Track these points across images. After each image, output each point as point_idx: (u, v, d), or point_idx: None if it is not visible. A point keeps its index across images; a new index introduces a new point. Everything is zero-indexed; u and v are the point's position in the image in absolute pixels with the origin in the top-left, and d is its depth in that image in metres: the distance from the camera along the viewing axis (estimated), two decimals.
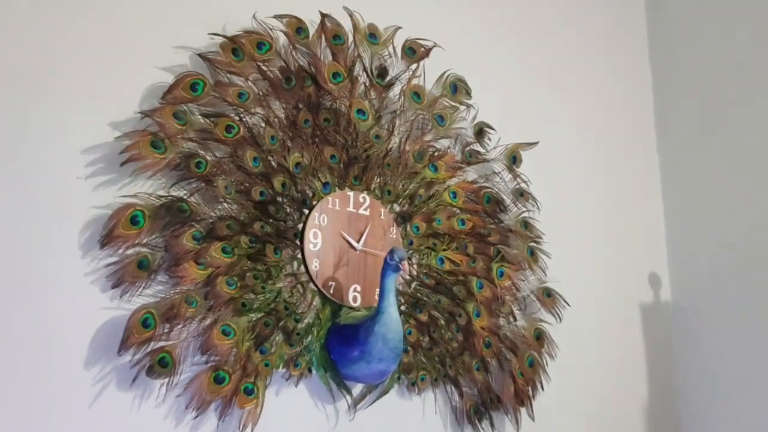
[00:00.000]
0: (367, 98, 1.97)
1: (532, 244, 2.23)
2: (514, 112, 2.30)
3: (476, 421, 2.01)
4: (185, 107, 1.67)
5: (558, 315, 2.22)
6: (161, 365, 1.53)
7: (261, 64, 1.79)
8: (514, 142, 2.23)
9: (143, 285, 1.56)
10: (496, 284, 2.10)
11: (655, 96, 2.77)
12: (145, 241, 1.58)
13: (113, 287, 1.53)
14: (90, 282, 1.52)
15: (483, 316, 2.07)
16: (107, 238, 1.53)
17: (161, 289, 1.59)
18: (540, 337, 2.19)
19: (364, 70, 1.97)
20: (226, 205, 1.71)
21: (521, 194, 2.24)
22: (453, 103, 2.13)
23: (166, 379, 1.54)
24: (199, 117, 1.70)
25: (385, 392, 1.88)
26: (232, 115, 1.74)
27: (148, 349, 1.52)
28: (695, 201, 2.64)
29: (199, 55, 1.71)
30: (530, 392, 2.12)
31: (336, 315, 1.83)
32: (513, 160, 2.24)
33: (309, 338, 1.78)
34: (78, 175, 1.55)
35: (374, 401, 1.85)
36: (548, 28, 2.51)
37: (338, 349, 1.77)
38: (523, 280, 2.20)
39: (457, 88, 2.14)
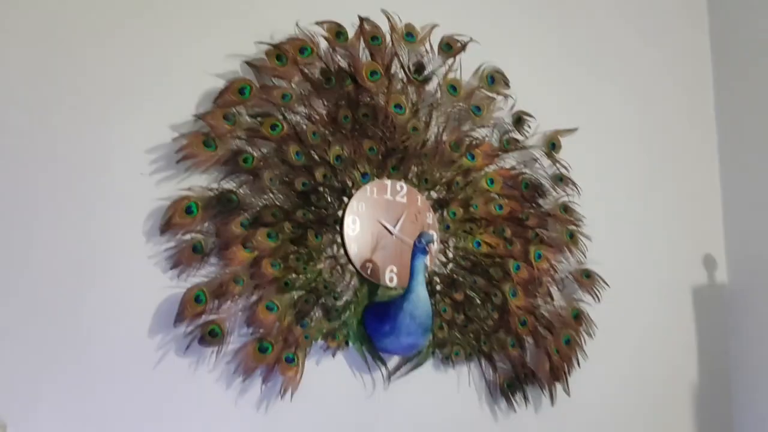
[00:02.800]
0: (404, 93, 2.17)
1: (572, 227, 2.37)
2: (553, 99, 2.43)
3: (510, 395, 2.20)
4: (234, 109, 1.93)
5: (597, 295, 2.36)
6: (211, 335, 1.81)
7: (303, 67, 2.03)
8: (552, 129, 2.37)
9: (197, 266, 1.84)
10: (533, 266, 2.26)
11: (714, 74, 2.81)
12: (198, 228, 1.85)
13: (171, 268, 1.82)
14: (153, 264, 1.82)
15: (519, 296, 2.24)
16: (166, 226, 1.82)
17: (213, 270, 1.86)
18: (578, 316, 2.33)
19: (402, 67, 2.17)
20: (271, 195, 1.96)
21: (560, 179, 2.38)
22: (490, 94, 2.29)
23: (216, 348, 1.82)
24: (247, 117, 1.95)
25: (419, 364, 2.09)
26: (277, 114, 1.99)
27: (200, 322, 1.80)
28: (756, 180, 2.67)
29: (247, 62, 1.96)
30: (566, 368, 2.27)
31: (373, 294, 2.06)
32: (552, 146, 2.38)
33: (347, 314, 2.01)
34: (142, 172, 1.84)
35: (407, 372, 2.07)
36: (587, 8, 2.60)
37: (373, 325, 1.99)
38: (562, 262, 2.35)
39: (494, 79, 2.30)
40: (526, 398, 2.22)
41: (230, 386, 1.86)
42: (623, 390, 2.40)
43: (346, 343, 2.00)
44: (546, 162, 2.38)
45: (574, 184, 2.39)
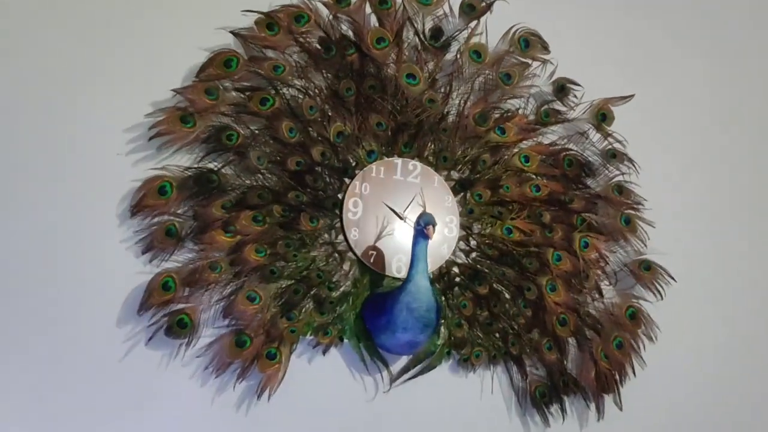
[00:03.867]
0: (418, 62, 1.94)
1: (629, 211, 2.04)
2: (602, 63, 2.12)
3: (543, 406, 1.90)
4: (218, 83, 1.80)
5: (659, 291, 2.01)
6: (180, 326, 1.67)
7: (299, 36, 1.86)
8: (601, 97, 2.05)
9: (172, 251, 1.71)
10: (578, 256, 1.96)
11: None
12: (173, 210, 1.72)
13: (143, 252, 1.70)
14: (125, 248, 1.71)
15: (559, 291, 1.94)
16: (137, 207, 1.71)
17: (192, 256, 1.73)
18: (635, 316, 1.99)
19: (416, 32, 1.95)
20: (260, 176, 1.80)
21: (613, 156, 2.06)
22: (523, 60, 2.01)
23: (185, 340, 1.68)
24: (234, 93, 1.81)
25: (431, 367, 1.86)
26: (268, 88, 1.83)
27: (167, 311, 1.67)
28: None
29: (231, 32, 1.82)
30: (617, 377, 1.94)
31: (377, 285, 1.85)
32: (602, 117, 2.06)
33: (343, 307, 1.81)
34: (118, 152, 1.75)
35: (416, 375, 1.83)
36: None
37: (370, 318, 1.78)
38: (615, 252, 2.03)
39: (529, 43, 2.03)
40: (563, 410, 1.91)
41: (206, 383, 1.71)
42: (690, 406, 2.03)
43: (341, 339, 1.80)
44: (595, 136, 2.07)
45: (630, 161, 2.06)
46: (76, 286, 1.67)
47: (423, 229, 1.72)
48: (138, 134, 1.76)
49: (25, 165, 1.69)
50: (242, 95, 1.81)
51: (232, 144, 1.78)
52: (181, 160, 1.77)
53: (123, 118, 1.76)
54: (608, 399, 1.94)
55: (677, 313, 2.03)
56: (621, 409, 1.94)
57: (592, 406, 1.93)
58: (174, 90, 1.76)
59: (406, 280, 1.73)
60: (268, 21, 1.85)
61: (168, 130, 1.74)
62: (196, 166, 1.76)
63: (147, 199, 1.71)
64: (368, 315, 1.79)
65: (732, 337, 2.11)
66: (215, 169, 1.77)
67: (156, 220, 1.71)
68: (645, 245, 2.03)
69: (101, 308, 1.68)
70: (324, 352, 1.79)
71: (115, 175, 1.73)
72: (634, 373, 1.96)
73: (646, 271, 2.03)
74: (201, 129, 1.76)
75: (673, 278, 2.02)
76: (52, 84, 1.73)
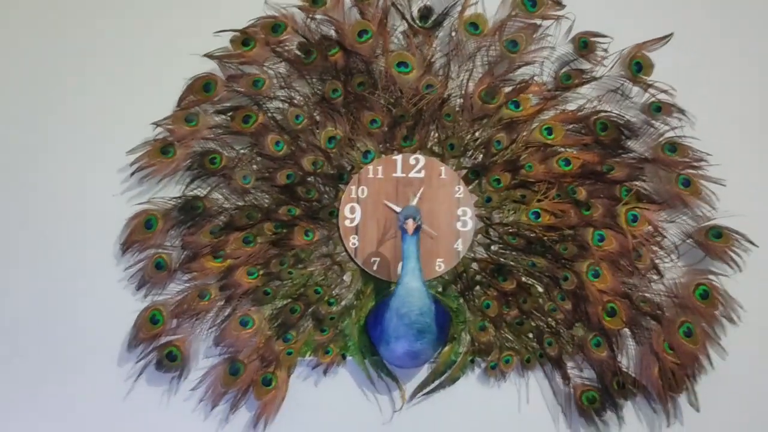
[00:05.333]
0: (410, 47, 1.80)
1: (688, 171, 1.72)
2: (625, 6, 1.81)
3: (593, 413, 1.61)
4: (198, 109, 1.78)
5: (736, 262, 1.65)
6: (169, 359, 1.64)
7: (276, 46, 1.80)
8: (633, 44, 1.76)
9: (165, 284, 1.70)
10: (625, 232, 1.67)
11: None
12: (161, 242, 1.72)
13: (137, 288, 1.71)
14: (123, 287, 1.73)
15: (604, 276, 1.67)
16: (125, 244, 1.73)
17: (186, 287, 1.70)
18: (708, 295, 1.65)
19: (403, 17, 1.81)
20: (251, 195, 1.75)
21: (658, 109, 1.76)
22: (530, 21, 1.79)
23: (176, 373, 1.64)
24: (215, 117, 1.78)
25: (453, 379, 1.67)
26: (250, 105, 1.79)
27: (155, 345, 1.65)
28: None
29: (205, 55, 1.80)
30: (689, 372, 1.61)
31: (382, 293, 1.70)
32: (637, 67, 1.77)
33: (345, 322, 1.68)
34: (113, 193, 1.78)
35: (432, 391, 1.64)
36: None
37: (371, 330, 1.64)
38: (674, 222, 1.70)
39: (536, 1, 1.80)
40: (620, 418, 1.60)
41: (209, 416, 1.66)
42: None
43: (343, 357, 1.67)
44: (633, 90, 1.77)
45: (681, 111, 1.74)
46: (77, 330, 1.73)
47: (402, 224, 1.56)
48: (128, 173, 1.79)
49: (24, 218, 1.78)
50: (224, 116, 1.79)
51: (215, 167, 1.76)
52: (173, 191, 1.78)
53: (114, 158, 1.80)
54: (683, 399, 1.61)
55: (763, 285, 1.65)
56: (698, 410, 1.60)
57: (659, 407, 1.60)
58: (154, 123, 1.78)
59: (397, 284, 1.57)
60: (244, 37, 1.81)
61: (148, 163, 1.76)
62: (180, 195, 1.75)
63: (134, 235, 1.73)
64: (370, 327, 1.65)
65: None
66: (201, 195, 1.75)
67: (145, 254, 1.72)
68: (714, 208, 1.69)
69: (103, 348, 1.71)
70: (326, 372, 1.67)
71: (110, 216, 1.77)
72: (711, 364, 1.61)
73: (717, 240, 1.68)
74: (181, 157, 1.76)
75: (753, 243, 1.66)
76: (30, 130, 1.82)
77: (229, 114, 1.79)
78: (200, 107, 1.79)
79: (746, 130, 1.75)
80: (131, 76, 1.83)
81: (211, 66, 1.81)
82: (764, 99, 1.77)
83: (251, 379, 1.65)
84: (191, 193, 1.75)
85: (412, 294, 1.54)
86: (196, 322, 1.68)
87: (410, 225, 1.55)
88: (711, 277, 1.66)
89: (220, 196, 1.76)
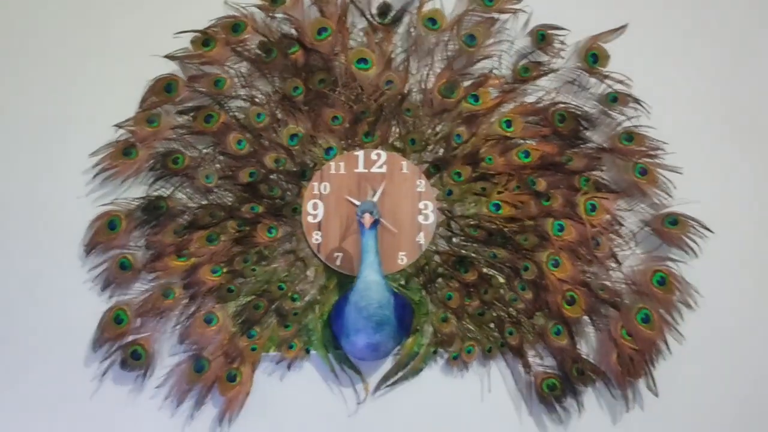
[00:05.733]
0: (369, 44, 1.82)
1: (645, 159, 1.75)
2: (582, 0, 1.84)
3: (553, 400, 1.64)
4: (160, 110, 1.80)
5: (692, 248, 1.68)
6: (134, 358, 1.66)
7: (237, 45, 1.82)
8: (589, 36, 1.79)
9: (129, 284, 1.72)
10: (584, 222, 1.70)
11: None
12: (125, 243, 1.74)
13: (103, 289, 1.73)
14: (88, 288, 1.75)
15: (564, 266, 1.70)
16: (89, 245, 1.75)
17: (151, 286, 1.73)
18: (665, 281, 1.68)
19: (362, 13, 1.84)
20: (214, 194, 1.77)
21: (615, 99, 1.79)
22: (488, 15, 1.82)
23: (141, 371, 1.66)
24: (177, 117, 1.80)
25: (416, 370, 1.70)
26: (212, 104, 1.81)
27: (120, 344, 1.68)
28: None
29: (166, 56, 1.82)
30: (647, 358, 1.64)
31: (345, 288, 1.72)
32: (593, 59, 1.80)
33: (309, 317, 1.71)
34: (78, 195, 1.80)
35: (396, 382, 1.67)
36: None
37: (334, 324, 1.67)
38: (631, 210, 1.73)
39: None
40: (580, 404, 1.63)
41: (175, 413, 1.69)
42: (743, 382, 1.66)
43: (307, 351, 1.70)
44: (591, 82, 1.80)
45: (637, 101, 1.77)
46: (44, 331, 1.74)
47: (360, 219, 1.58)
48: (92, 175, 1.81)
49: None
50: (186, 116, 1.81)
51: (178, 167, 1.78)
52: (136, 192, 1.79)
53: (77, 160, 1.81)
54: (641, 385, 1.64)
55: (718, 271, 1.69)
56: (656, 394, 1.63)
57: (618, 394, 1.64)
58: (116, 125, 1.80)
59: (356, 278, 1.60)
60: (204, 38, 1.83)
61: (111, 165, 1.77)
62: (144, 195, 1.77)
63: (98, 236, 1.75)
64: (332, 321, 1.68)
65: None
66: (164, 195, 1.77)
67: (109, 255, 1.74)
68: (670, 196, 1.72)
69: (69, 349, 1.73)
70: (290, 367, 1.70)
71: (75, 218, 1.78)
72: (669, 350, 1.65)
73: (673, 227, 1.71)
74: (144, 158, 1.78)
75: (708, 229, 1.69)
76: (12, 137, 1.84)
77: (191, 114, 1.81)
78: (162, 108, 1.81)
79: (700, 118, 1.78)
80: (93, 78, 1.84)
81: (172, 67, 1.83)
82: (717, 87, 1.80)
83: (216, 375, 1.67)
84: (154, 193, 1.77)
85: (370, 287, 1.57)
86: (161, 320, 1.70)
87: (367, 219, 1.58)
88: (668, 263, 1.69)
89: (184, 196, 1.78)
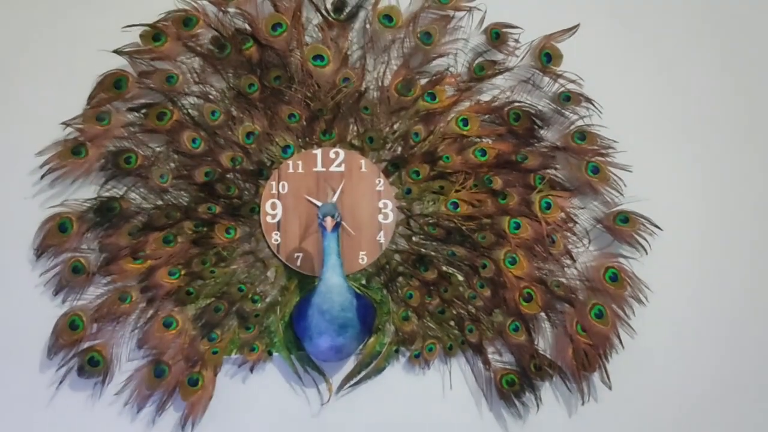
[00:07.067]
0: (324, 41, 1.82)
1: (596, 158, 1.81)
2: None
3: (512, 395, 1.71)
4: (110, 107, 1.77)
5: (642, 246, 1.76)
6: (91, 364, 1.65)
7: (188, 40, 1.79)
8: (542, 35, 1.83)
9: (83, 288, 1.70)
10: (540, 220, 1.76)
11: None
12: (77, 246, 1.71)
13: (55, 294, 1.70)
14: (40, 293, 1.72)
15: (520, 263, 1.76)
16: (39, 249, 1.71)
17: (105, 290, 1.70)
18: (617, 277, 1.76)
19: (317, 9, 1.83)
20: (169, 194, 1.75)
21: (568, 98, 1.84)
22: (443, 13, 1.84)
23: (99, 378, 1.65)
24: (128, 115, 1.77)
25: (379, 369, 1.74)
26: (164, 101, 1.78)
27: (76, 351, 1.65)
28: None
29: (114, 51, 1.78)
30: (601, 352, 1.72)
31: (306, 288, 1.74)
32: (546, 58, 1.84)
33: (270, 319, 1.72)
34: (25, 196, 1.75)
35: (359, 382, 1.71)
36: None
37: (296, 326, 1.69)
38: (584, 208, 1.81)
39: None
40: (538, 398, 1.71)
41: (135, 419, 1.68)
42: (693, 374, 1.77)
43: (269, 354, 1.71)
44: (544, 81, 1.85)
45: (589, 100, 1.83)
46: None
47: (321, 221, 1.60)
48: (40, 174, 1.76)
49: None
50: (137, 113, 1.77)
51: (131, 166, 1.75)
52: (86, 193, 1.76)
53: (24, 160, 1.76)
54: (596, 378, 1.72)
55: (668, 267, 1.78)
56: (610, 387, 1.72)
57: (574, 387, 1.72)
58: (63, 122, 1.75)
59: (318, 280, 1.62)
60: (154, 32, 1.79)
61: (59, 165, 1.73)
62: (96, 196, 1.73)
63: (48, 239, 1.71)
64: (294, 323, 1.70)
65: (736, 289, 1.81)
66: (117, 196, 1.74)
67: (61, 258, 1.71)
68: (621, 194, 1.80)
69: (21, 356, 1.69)
70: (252, 369, 1.71)
71: (23, 220, 1.74)
72: (622, 344, 1.73)
73: (624, 224, 1.79)
74: (94, 157, 1.74)
75: (657, 227, 1.77)
76: None
77: (143, 111, 1.77)
78: (112, 105, 1.77)
79: (649, 118, 1.85)
80: (37, 74, 1.79)
81: (121, 62, 1.79)
82: (665, 88, 1.88)
83: (177, 380, 1.67)
84: (107, 193, 1.74)
85: (332, 290, 1.59)
86: (118, 325, 1.69)
87: (329, 222, 1.60)
88: (620, 260, 1.77)
89: (137, 197, 1.75)
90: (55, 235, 1.71)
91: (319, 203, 1.77)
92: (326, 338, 1.60)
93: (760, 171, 1.84)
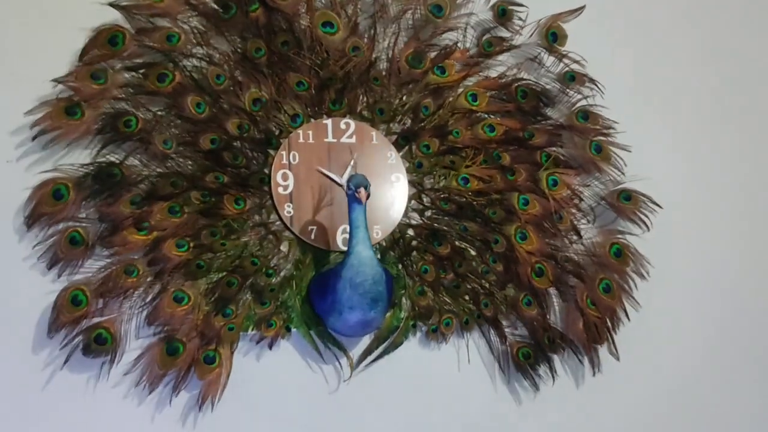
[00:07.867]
0: (334, 7, 1.77)
1: (599, 137, 1.87)
2: None
3: (528, 368, 1.74)
4: (106, 65, 1.63)
5: (644, 222, 1.84)
6: (98, 342, 1.52)
7: None
8: (549, 15, 1.87)
9: (81, 261, 1.56)
10: (547, 196, 1.80)
11: None
12: (75, 215, 1.57)
13: (49, 268, 1.55)
14: (30, 267, 1.56)
15: (531, 239, 1.78)
16: (31, 218, 1.55)
17: (104, 263, 1.57)
18: (621, 253, 1.83)
19: None
20: (172, 161, 1.65)
21: (572, 78, 1.89)
22: None
23: (107, 357, 1.53)
24: (126, 74, 1.65)
25: (396, 344, 1.71)
26: (165, 62, 1.67)
27: (82, 328, 1.52)
28: None
29: (110, 4, 1.65)
30: (609, 325, 1.78)
31: (322, 263, 1.69)
32: (553, 37, 1.88)
33: (286, 293, 1.66)
34: (8, 159, 1.59)
35: (378, 357, 1.69)
36: None
37: (317, 301, 1.64)
38: (589, 186, 1.86)
39: None
40: (553, 370, 1.75)
41: (143, 401, 1.57)
42: (695, 344, 1.87)
43: (287, 330, 1.65)
44: (549, 60, 1.89)
45: (592, 81, 1.89)
46: None
47: (354, 193, 1.56)
48: (26, 136, 1.61)
49: None
50: (136, 74, 1.65)
51: (131, 131, 1.62)
52: (79, 158, 1.61)
53: (5, 119, 1.60)
54: (603, 350, 1.78)
55: (668, 243, 1.86)
56: (618, 358, 1.78)
57: (585, 360, 1.77)
58: (54, 80, 1.60)
59: (347, 253, 1.57)
60: None
61: (53, 126, 1.57)
62: (92, 161, 1.60)
63: (41, 207, 1.55)
64: (314, 298, 1.64)
65: (736, 261, 1.94)
66: (117, 161, 1.61)
67: (56, 229, 1.56)
68: (622, 173, 1.87)
69: (12, 335, 1.53)
70: (270, 346, 1.64)
71: (6, 186, 1.57)
72: (628, 317, 1.80)
73: (627, 202, 1.86)
74: (91, 119, 1.60)
75: (658, 205, 1.86)
76: None
77: (142, 72, 1.65)
78: (107, 63, 1.64)
79: (649, 99, 1.94)
80: (22, 26, 1.63)
81: (116, 16, 1.66)
82: (664, 70, 1.97)
83: (192, 358, 1.57)
84: (104, 159, 1.61)
85: (365, 263, 1.55)
86: (125, 300, 1.56)
87: (363, 194, 1.55)
88: (623, 236, 1.84)
89: (138, 163, 1.63)
90: (49, 202, 1.55)
91: (333, 175, 1.72)
92: (357, 312, 1.56)
93: (757, 151, 1.98)
